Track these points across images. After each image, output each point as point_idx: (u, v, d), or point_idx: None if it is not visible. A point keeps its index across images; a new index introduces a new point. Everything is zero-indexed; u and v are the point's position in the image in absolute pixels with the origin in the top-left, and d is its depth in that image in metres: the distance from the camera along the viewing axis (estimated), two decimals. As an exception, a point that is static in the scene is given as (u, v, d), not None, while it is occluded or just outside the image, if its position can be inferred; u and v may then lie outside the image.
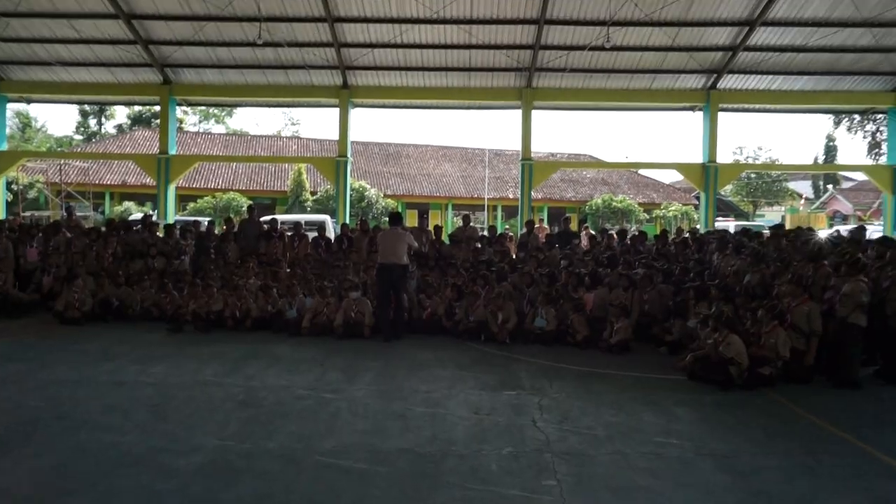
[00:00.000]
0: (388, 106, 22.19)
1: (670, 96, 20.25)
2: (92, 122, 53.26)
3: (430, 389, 7.07)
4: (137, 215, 21.38)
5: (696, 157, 20.70)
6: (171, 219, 19.35)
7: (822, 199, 52.34)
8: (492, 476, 4.81)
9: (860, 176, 40.77)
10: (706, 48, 18.35)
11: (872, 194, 41.14)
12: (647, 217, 34.34)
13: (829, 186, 54.54)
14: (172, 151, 20.57)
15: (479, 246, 12.86)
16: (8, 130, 25.04)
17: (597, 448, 5.41)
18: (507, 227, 30.36)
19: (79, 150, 39.43)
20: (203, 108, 50.47)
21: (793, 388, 7.34)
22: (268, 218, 15.17)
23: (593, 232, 15.44)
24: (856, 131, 43.39)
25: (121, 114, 51.94)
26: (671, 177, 41.81)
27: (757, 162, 49.76)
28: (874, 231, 20.62)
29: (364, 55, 18.73)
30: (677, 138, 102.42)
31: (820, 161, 57.75)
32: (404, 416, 6.16)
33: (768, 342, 7.50)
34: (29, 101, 22.93)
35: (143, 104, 31.33)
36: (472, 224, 14.37)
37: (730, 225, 24.55)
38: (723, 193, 37.67)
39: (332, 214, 22.57)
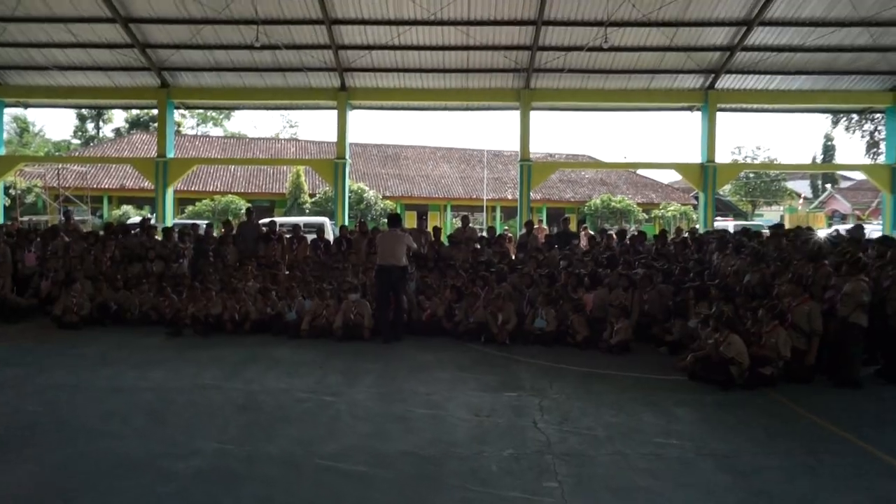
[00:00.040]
0: (386, 108, 22.19)
1: (668, 96, 20.27)
2: (90, 126, 53.28)
3: (431, 391, 7.05)
4: (136, 219, 21.37)
5: (695, 157, 20.73)
6: (169, 222, 19.34)
7: (820, 199, 52.40)
8: (493, 478, 4.79)
9: (858, 175, 40.80)
10: (704, 48, 18.37)
11: (871, 193, 41.19)
12: (646, 217, 34.35)
13: (828, 186, 54.64)
14: (170, 155, 20.56)
15: (479, 247, 12.85)
16: (5, 135, 25.04)
17: (597, 449, 5.40)
18: (506, 227, 30.34)
19: (77, 154, 39.35)
20: (201, 111, 50.50)
21: (794, 387, 7.32)
22: (266, 220, 15.15)
23: (592, 232, 15.42)
24: (854, 131, 43.44)
25: (119, 118, 52.05)
26: (670, 177, 41.80)
27: (755, 162, 49.80)
28: (873, 230, 20.65)
29: (362, 57, 18.73)
30: (676, 138, 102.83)
31: (818, 160, 57.88)
32: (405, 418, 6.14)
33: (769, 342, 7.49)
34: (26, 106, 22.95)
35: (141, 108, 31.36)
36: (471, 225, 14.36)
37: (728, 225, 24.57)
38: (721, 193, 37.69)
39: (331, 216, 22.58)
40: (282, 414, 6.21)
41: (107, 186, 33.18)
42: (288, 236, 13.33)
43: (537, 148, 33.76)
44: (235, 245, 12.98)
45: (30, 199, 30.91)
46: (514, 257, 12.98)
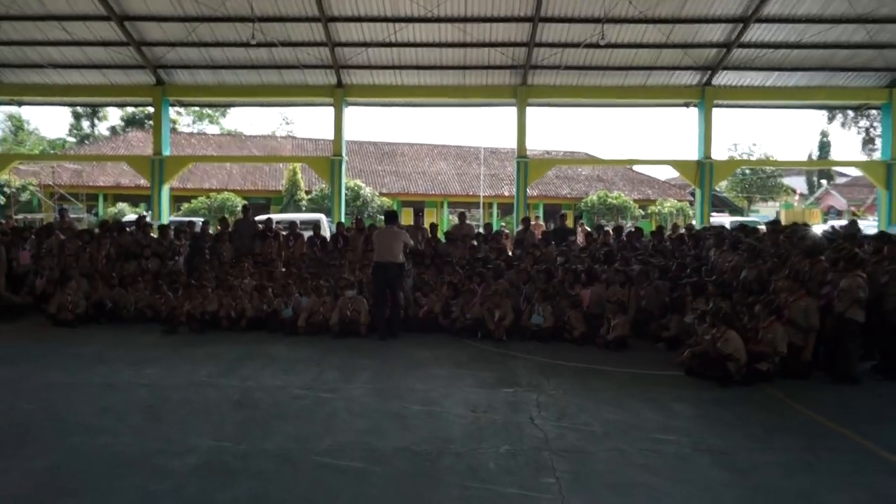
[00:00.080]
0: (382, 104, 22.14)
1: (665, 93, 20.25)
2: (85, 124, 53.07)
3: (427, 388, 7.04)
4: (131, 216, 21.28)
5: (691, 153, 20.71)
6: (165, 219, 19.28)
7: (816, 195, 52.44)
8: (490, 474, 4.78)
9: (854, 171, 40.88)
10: (701, 45, 18.36)
11: (866, 190, 41.25)
12: (643, 213, 34.34)
13: (823, 182, 54.68)
14: (166, 152, 20.50)
15: (476, 243, 12.85)
16: (0, 133, 24.90)
17: (595, 445, 5.39)
18: (502, 224, 30.34)
19: (72, 152, 39.23)
20: (197, 108, 50.29)
21: (791, 383, 7.33)
22: (263, 217, 15.11)
23: (589, 229, 15.42)
24: (849, 127, 43.56)
25: (114, 115, 51.87)
26: (666, 173, 41.78)
27: (752, 158, 49.90)
28: (868, 226, 20.66)
29: (358, 54, 18.68)
30: (672, 135, 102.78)
31: (814, 157, 57.87)
32: (401, 414, 6.13)
33: (766, 338, 7.49)
34: (21, 104, 22.81)
35: (137, 105, 31.22)
36: (467, 222, 14.35)
37: (725, 221, 24.57)
38: (718, 189, 37.66)
39: (328, 213, 22.52)
40: (278, 411, 6.19)
41: (102, 184, 33.09)
42: (284, 233, 13.30)
43: (534, 145, 33.66)
44: (232, 242, 12.95)
45: (24, 197, 30.78)
46: (510, 254, 12.98)
